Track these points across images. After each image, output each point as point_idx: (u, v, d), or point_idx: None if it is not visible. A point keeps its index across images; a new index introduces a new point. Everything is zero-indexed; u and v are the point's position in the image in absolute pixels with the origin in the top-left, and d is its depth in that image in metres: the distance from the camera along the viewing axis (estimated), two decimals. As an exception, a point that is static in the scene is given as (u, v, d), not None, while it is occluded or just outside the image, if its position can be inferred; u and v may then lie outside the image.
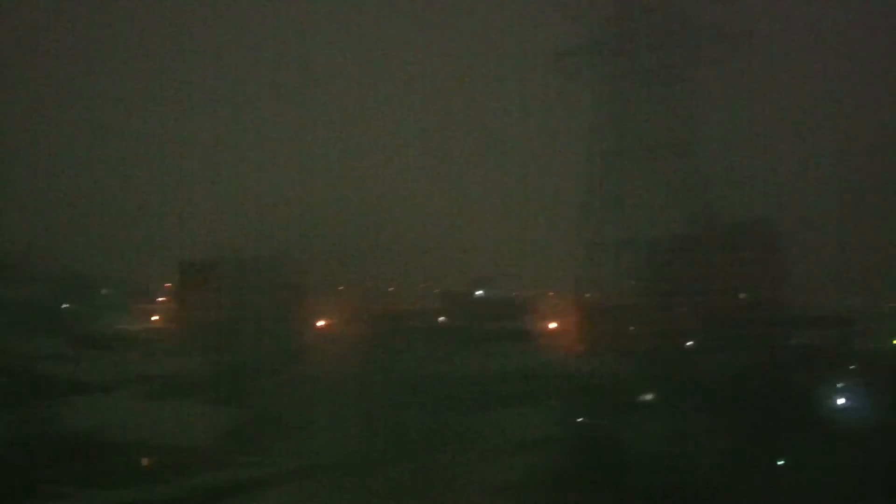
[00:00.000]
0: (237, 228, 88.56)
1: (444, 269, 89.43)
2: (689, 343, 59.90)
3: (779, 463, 41.10)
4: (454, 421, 44.01)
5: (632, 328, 63.99)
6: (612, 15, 56.38)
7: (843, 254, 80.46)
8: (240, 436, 45.42)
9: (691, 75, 56.16)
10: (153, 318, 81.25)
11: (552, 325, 71.79)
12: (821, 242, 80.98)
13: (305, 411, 47.40)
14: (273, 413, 47.33)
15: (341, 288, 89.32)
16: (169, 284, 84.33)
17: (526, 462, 39.71)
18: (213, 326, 62.04)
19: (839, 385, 49.89)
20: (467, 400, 47.33)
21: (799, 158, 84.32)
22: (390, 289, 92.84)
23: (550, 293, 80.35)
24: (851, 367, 56.19)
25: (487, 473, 38.82)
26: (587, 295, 67.11)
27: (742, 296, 67.87)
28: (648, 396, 52.11)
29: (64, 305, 72.81)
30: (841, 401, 48.15)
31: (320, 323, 73.17)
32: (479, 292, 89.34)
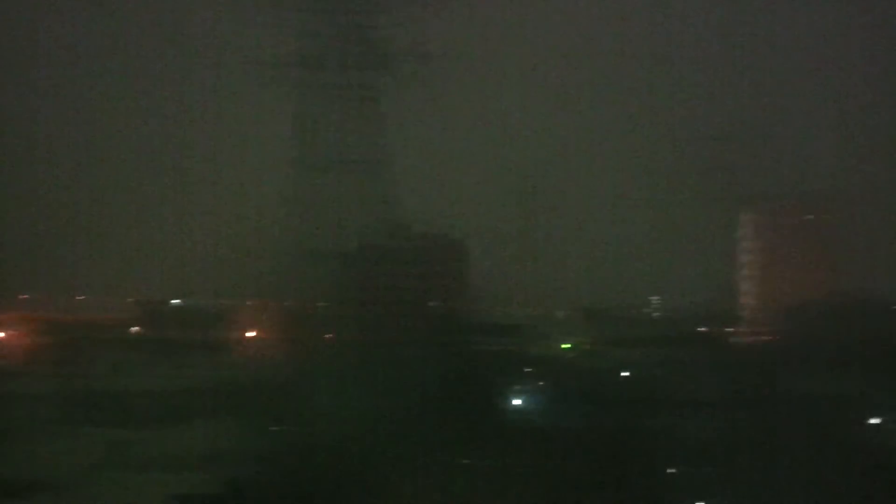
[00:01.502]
0: None
1: (144, 279, 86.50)
2: (384, 350, 62.16)
3: (463, 462, 44.10)
4: (137, 435, 43.15)
5: (329, 336, 65.46)
6: (311, 29, 57.56)
7: (520, 266, 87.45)
8: None
9: (385, 93, 58.82)
10: None
11: (251, 335, 71.73)
12: (501, 255, 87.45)
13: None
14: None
15: (24, 297, 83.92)
16: None
17: (214, 475, 39.73)
18: None
19: (516, 388, 54.24)
20: (153, 413, 46.48)
21: (484, 175, 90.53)
22: (79, 298, 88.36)
23: (250, 302, 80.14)
24: (527, 371, 61.18)
25: (174, 487, 38.54)
26: (286, 304, 67.93)
27: (432, 304, 71.53)
28: (346, 402, 53.69)
29: None
30: (517, 402, 52.42)
31: None
32: (175, 301, 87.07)
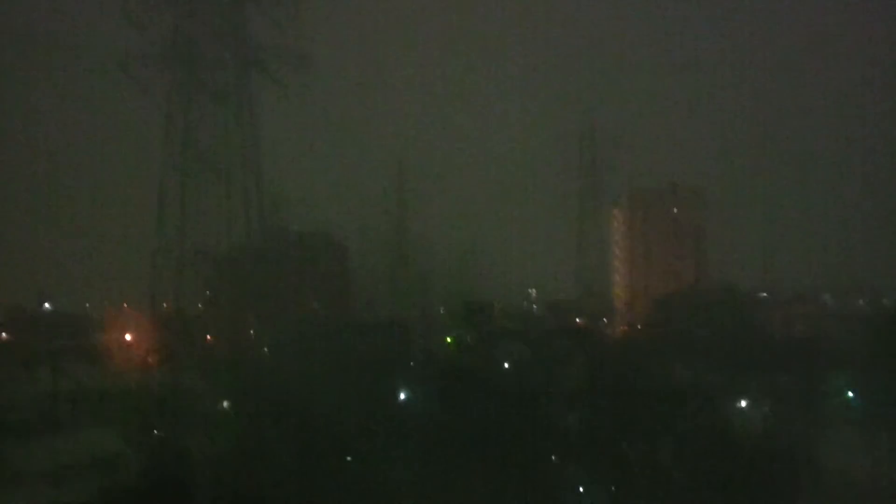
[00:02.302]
0: None
1: (12, 282, 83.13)
2: (265, 352, 61.66)
3: (347, 459, 44.27)
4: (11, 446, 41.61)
5: (205, 338, 64.48)
6: (176, 27, 56.48)
7: (399, 263, 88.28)
8: None
9: (257, 94, 58.42)
10: None
11: (125, 339, 69.97)
12: (380, 254, 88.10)
13: None
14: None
15: None
16: None
17: (93, 483, 38.73)
18: None
19: (401, 383, 54.62)
20: (22, 424, 44.86)
21: (362, 174, 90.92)
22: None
23: (122, 306, 78.14)
24: (411, 366, 61.71)
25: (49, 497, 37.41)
26: (161, 307, 66.50)
27: (311, 305, 71.41)
28: (223, 405, 53.12)
29: None
30: (402, 396, 52.83)
31: None
32: (46, 305, 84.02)
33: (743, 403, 53.43)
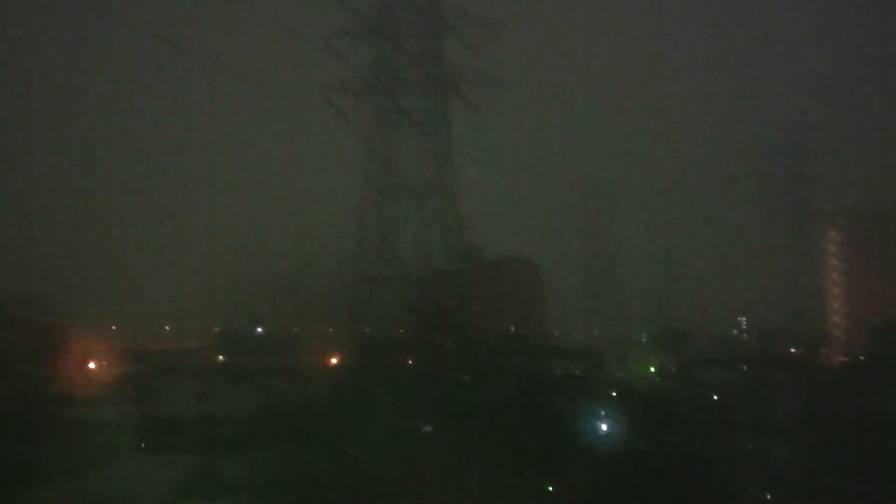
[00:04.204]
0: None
1: (225, 308, 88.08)
2: (456, 374, 61.90)
3: (548, 489, 43.36)
4: (222, 462, 43.42)
5: (404, 361, 65.49)
6: (378, 56, 58.19)
7: (591, 289, 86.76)
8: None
9: (451, 119, 59.02)
10: None
11: (330, 360, 72.23)
12: (576, 277, 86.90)
13: (62, 456, 45.31)
14: (26, 459, 44.86)
15: (112, 327, 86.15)
16: None
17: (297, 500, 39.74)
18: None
19: (599, 412, 53.20)
20: (238, 439, 46.78)
21: (555, 196, 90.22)
22: (166, 328, 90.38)
23: (328, 329, 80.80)
24: (612, 395, 60.12)
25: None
26: (361, 330, 68.16)
27: (507, 328, 71.11)
28: (425, 427, 53.49)
29: None
30: (603, 426, 51.42)
31: (89, 365, 70.07)
32: (258, 330, 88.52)
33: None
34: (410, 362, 64.28)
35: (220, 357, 76.11)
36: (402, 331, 62.60)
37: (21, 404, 52.09)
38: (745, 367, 65.25)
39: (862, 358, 78.84)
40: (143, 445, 46.73)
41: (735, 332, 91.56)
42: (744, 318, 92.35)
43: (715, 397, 58.89)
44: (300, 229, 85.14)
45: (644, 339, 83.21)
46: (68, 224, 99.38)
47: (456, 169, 56.40)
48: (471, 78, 56.77)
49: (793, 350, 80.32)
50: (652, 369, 71.33)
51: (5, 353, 60.18)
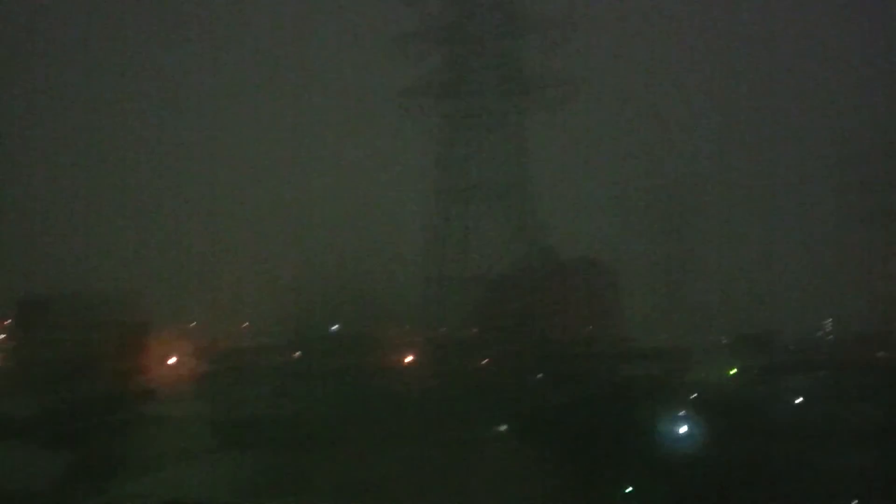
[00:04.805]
0: (77, 264, 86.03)
1: (300, 305, 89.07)
2: (532, 375, 61.53)
3: (627, 490, 42.78)
4: (299, 459, 43.87)
5: (478, 362, 65.31)
6: (453, 58, 57.99)
7: (670, 290, 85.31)
8: (77, 479, 43.93)
9: (526, 119, 58.58)
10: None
11: (404, 360, 72.49)
12: (649, 280, 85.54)
13: (148, 452, 46.31)
14: (113, 454, 45.98)
15: (192, 325, 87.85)
16: (6, 322, 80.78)
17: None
18: (50, 365, 59.84)
19: (679, 414, 52.26)
20: (316, 438, 47.21)
21: (633, 197, 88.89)
22: (244, 325, 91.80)
23: (402, 328, 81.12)
24: (692, 397, 59.01)
25: None
26: (436, 330, 68.23)
27: (583, 329, 70.42)
28: (500, 428, 53.31)
29: None
30: (683, 429, 50.47)
31: (170, 361, 71.61)
32: (334, 327, 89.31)
33: None
34: (485, 363, 64.16)
35: (297, 354, 76.91)
36: (476, 331, 62.49)
37: (106, 401, 53.56)
38: (830, 371, 63.42)
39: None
40: (221, 442, 47.49)
41: (820, 334, 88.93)
42: (829, 321, 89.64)
43: (799, 402, 57.37)
44: (377, 230, 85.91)
45: (725, 341, 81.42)
46: (149, 226, 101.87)
47: (531, 170, 56.03)
48: (545, 78, 56.13)
49: (880, 354, 77.76)
50: (733, 372, 69.80)
51: (91, 351, 61.97)
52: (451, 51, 56.80)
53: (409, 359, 72.16)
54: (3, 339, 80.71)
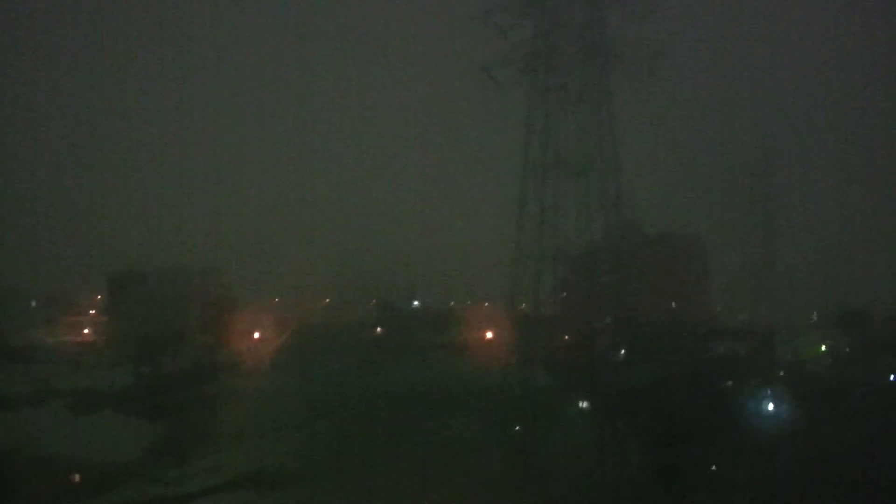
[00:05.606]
0: (166, 240, 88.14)
1: (380, 281, 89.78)
2: (615, 354, 60.99)
3: (712, 468, 42.25)
4: (383, 432, 44.31)
5: (561, 339, 64.94)
6: (537, 30, 57.27)
7: (758, 267, 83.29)
8: (166, 450, 45.07)
9: (614, 92, 57.58)
10: (83, 332, 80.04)
11: (486, 336, 72.34)
12: (737, 256, 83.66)
13: (233, 425, 47.26)
14: (200, 427, 47.06)
15: (275, 300, 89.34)
16: (98, 297, 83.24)
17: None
18: (140, 339, 61.49)
19: (767, 392, 51.27)
20: (397, 411, 47.61)
21: (718, 173, 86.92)
22: (325, 301, 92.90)
23: (484, 304, 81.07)
24: (780, 375, 57.80)
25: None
26: (519, 306, 68.00)
27: (668, 307, 69.33)
28: (580, 405, 53.09)
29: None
30: (770, 406, 49.51)
31: (254, 335, 72.94)
32: (415, 303, 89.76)
33: None
34: (568, 339, 63.78)
35: (378, 330, 77.51)
36: (559, 308, 62.13)
37: (194, 374, 54.88)
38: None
39: None
40: (302, 416, 48.18)
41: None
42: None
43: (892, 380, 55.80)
44: (459, 205, 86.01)
45: (814, 320, 79.39)
46: (236, 205, 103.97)
47: (617, 143, 55.10)
48: (633, 49, 55.03)
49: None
50: (822, 349, 68.14)
51: (181, 324, 63.47)
52: (537, 20, 56.16)
53: (490, 335, 72.03)
54: (94, 313, 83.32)
